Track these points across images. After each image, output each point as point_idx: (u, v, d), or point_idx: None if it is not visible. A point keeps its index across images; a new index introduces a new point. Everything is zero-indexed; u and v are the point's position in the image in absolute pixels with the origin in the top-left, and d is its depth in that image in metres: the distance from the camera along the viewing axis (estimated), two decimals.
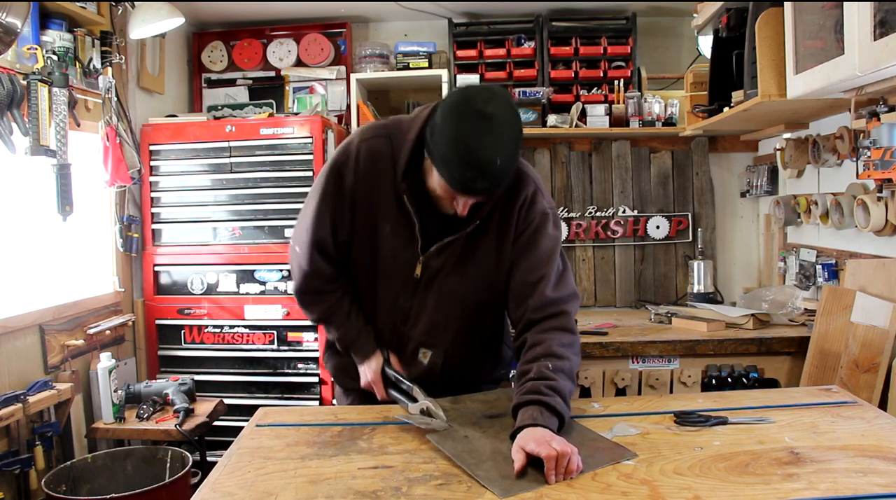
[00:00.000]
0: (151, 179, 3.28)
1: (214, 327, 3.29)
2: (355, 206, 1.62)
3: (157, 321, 3.30)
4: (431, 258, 1.62)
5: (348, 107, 3.63)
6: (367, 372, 1.70)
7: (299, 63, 3.75)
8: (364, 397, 1.79)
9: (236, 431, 1.59)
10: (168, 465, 2.56)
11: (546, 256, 1.59)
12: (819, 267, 2.79)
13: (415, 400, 1.56)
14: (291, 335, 3.27)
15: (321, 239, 1.66)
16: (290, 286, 3.25)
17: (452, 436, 1.43)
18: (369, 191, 1.61)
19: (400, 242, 1.62)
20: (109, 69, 2.93)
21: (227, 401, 3.06)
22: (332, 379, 1.95)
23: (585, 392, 2.72)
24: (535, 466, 1.27)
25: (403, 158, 1.55)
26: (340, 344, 1.76)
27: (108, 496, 2.20)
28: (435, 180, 1.50)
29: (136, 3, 3.05)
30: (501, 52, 3.58)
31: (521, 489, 1.20)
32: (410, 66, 3.58)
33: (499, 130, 1.39)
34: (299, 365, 3.27)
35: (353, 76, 3.51)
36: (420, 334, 1.69)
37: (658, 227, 3.63)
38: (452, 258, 1.62)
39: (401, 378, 1.64)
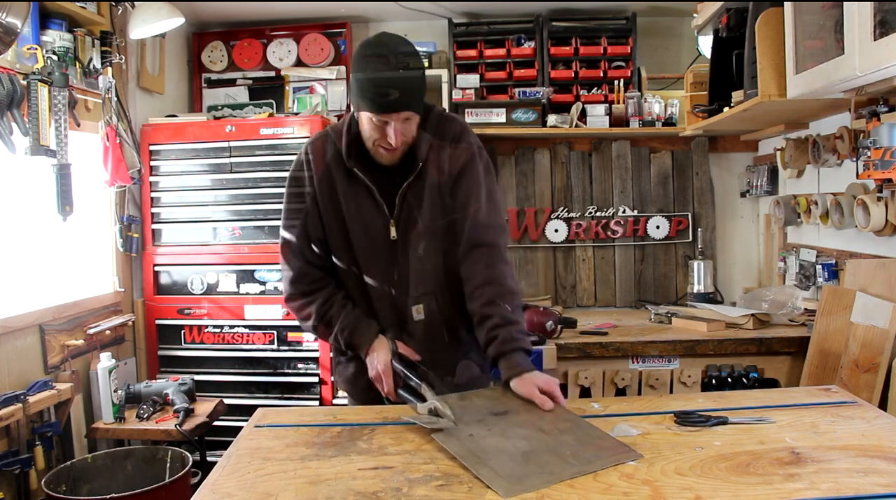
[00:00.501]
0: (151, 179, 3.28)
1: (214, 327, 3.29)
2: (318, 202, 1.77)
3: (157, 321, 3.30)
4: (401, 217, 1.74)
5: (348, 107, 3.63)
6: (377, 364, 1.72)
7: (299, 63, 3.75)
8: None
9: (236, 431, 1.59)
10: (168, 465, 2.56)
11: (475, 184, 1.76)
12: (819, 267, 2.79)
13: (423, 399, 1.55)
14: (291, 335, 3.26)
15: (295, 241, 1.80)
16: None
17: (457, 435, 1.42)
18: (325, 183, 1.76)
19: (367, 214, 1.75)
20: (109, 69, 2.92)
21: (227, 401, 3.06)
22: (346, 393, 1.98)
23: (585, 392, 2.72)
24: (535, 463, 1.28)
25: (343, 139, 1.74)
26: (343, 337, 1.78)
27: (108, 496, 2.20)
28: (365, 125, 1.67)
29: (136, 3, 3.05)
30: (501, 52, 3.58)
31: (523, 490, 1.20)
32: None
33: (392, 48, 1.60)
34: (299, 365, 3.27)
35: None
36: (412, 295, 1.78)
37: (658, 227, 3.63)
38: (413, 206, 1.74)
39: (409, 375, 1.64)
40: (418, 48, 3.50)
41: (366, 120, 1.66)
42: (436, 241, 1.76)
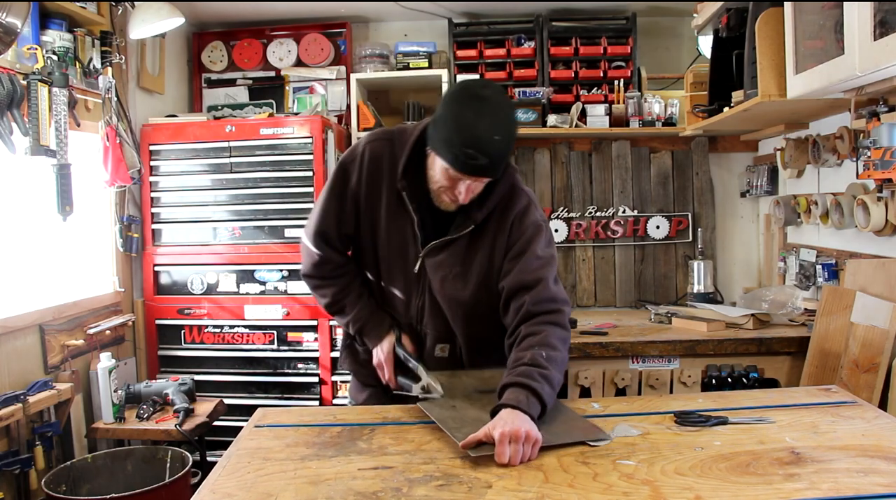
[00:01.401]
0: (151, 179, 3.28)
1: (214, 327, 3.29)
2: (358, 204, 1.73)
3: (157, 321, 3.30)
4: (428, 256, 1.69)
5: (348, 107, 3.63)
6: (379, 352, 1.77)
7: (299, 63, 3.75)
8: (381, 393, 1.85)
9: (236, 431, 1.59)
10: (168, 465, 2.56)
11: (544, 262, 1.66)
12: (819, 267, 2.79)
13: (419, 379, 1.67)
14: (291, 335, 3.27)
15: (326, 231, 1.77)
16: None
17: (441, 404, 1.56)
18: (372, 191, 1.71)
19: (401, 239, 1.71)
20: (109, 69, 2.93)
21: (227, 401, 3.06)
22: (351, 375, 1.99)
23: (585, 392, 2.72)
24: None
25: (403, 157, 1.65)
26: (353, 327, 1.81)
27: (108, 496, 2.20)
28: (437, 170, 1.58)
29: (136, 3, 3.05)
30: (501, 52, 3.58)
31: (488, 450, 1.31)
32: (410, 66, 3.58)
33: (495, 110, 1.51)
34: (299, 365, 3.27)
35: (353, 76, 3.51)
36: (434, 330, 1.76)
37: (658, 227, 3.63)
38: (448, 259, 1.69)
39: (409, 357, 1.72)
40: (418, 48, 3.59)
41: (439, 167, 1.57)
42: (460, 298, 1.70)
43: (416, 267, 1.70)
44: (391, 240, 1.72)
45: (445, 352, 1.77)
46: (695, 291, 3.43)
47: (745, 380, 2.62)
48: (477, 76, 3.56)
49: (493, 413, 1.40)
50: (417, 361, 1.71)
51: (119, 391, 2.73)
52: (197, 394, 2.95)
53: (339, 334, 3.22)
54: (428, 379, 1.65)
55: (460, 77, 3.56)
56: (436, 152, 1.57)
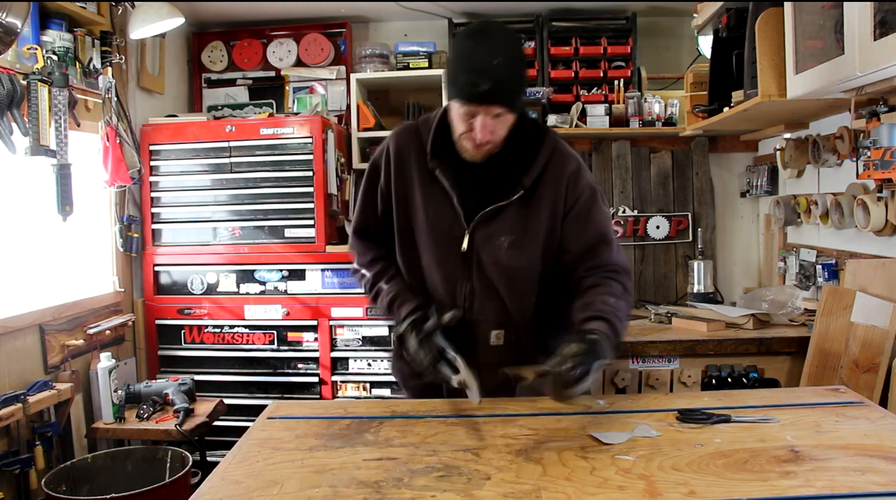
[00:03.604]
0: (151, 179, 3.28)
1: (214, 327, 3.29)
2: (391, 197, 1.71)
3: (157, 321, 3.30)
4: (478, 228, 1.63)
5: (348, 107, 3.63)
6: (413, 342, 1.64)
7: (299, 63, 3.75)
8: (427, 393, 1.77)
9: (236, 431, 1.60)
10: (168, 465, 2.56)
11: (603, 227, 1.65)
12: (819, 267, 2.79)
13: (457, 371, 1.57)
14: (291, 335, 3.27)
15: (366, 227, 1.80)
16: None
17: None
18: (403, 179, 1.69)
19: (443, 220, 1.65)
20: (109, 69, 2.93)
21: (227, 401, 3.06)
22: (401, 384, 1.90)
23: (585, 392, 2.71)
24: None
25: (430, 138, 1.64)
26: (386, 302, 1.72)
27: (108, 496, 2.20)
28: (454, 117, 1.56)
29: (136, 3, 3.05)
30: None
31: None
32: (410, 66, 3.58)
33: (495, 39, 1.50)
34: (299, 365, 3.27)
35: (353, 76, 3.51)
36: (486, 316, 1.68)
37: (658, 227, 3.63)
38: (502, 228, 1.63)
39: (447, 348, 1.60)
40: (418, 48, 3.59)
41: (455, 109, 1.56)
42: (517, 270, 1.64)
43: (465, 244, 1.63)
44: (432, 224, 1.66)
45: (501, 339, 1.69)
46: (695, 291, 3.43)
47: (745, 380, 2.62)
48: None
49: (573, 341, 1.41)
50: (456, 353, 1.59)
51: (119, 391, 2.73)
52: (197, 394, 2.95)
53: (340, 335, 3.24)
54: (464, 374, 1.54)
55: None
56: (448, 96, 1.57)
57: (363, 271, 1.79)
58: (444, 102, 1.66)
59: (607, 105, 3.49)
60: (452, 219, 1.64)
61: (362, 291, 1.84)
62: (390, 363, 1.95)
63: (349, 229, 1.84)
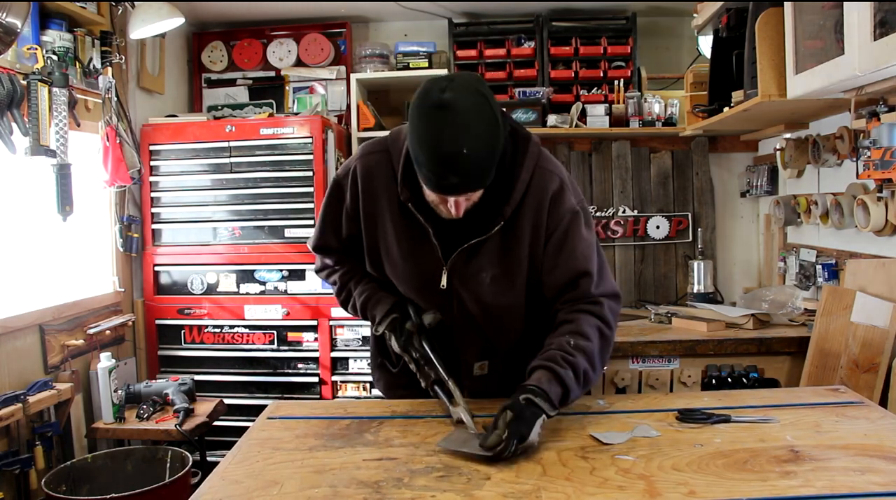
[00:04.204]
0: (151, 179, 3.28)
1: (214, 327, 3.29)
2: (358, 220, 1.60)
3: (157, 321, 3.30)
4: (457, 266, 1.53)
5: (348, 107, 3.63)
6: (395, 345, 1.63)
7: (299, 63, 3.75)
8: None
9: (236, 431, 1.60)
10: (168, 465, 2.56)
11: (583, 258, 1.53)
12: (819, 267, 2.79)
13: (451, 396, 1.52)
14: (291, 335, 3.27)
15: (326, 245, 1.71)
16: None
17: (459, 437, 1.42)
18: (372, 209, 1.57)
19: (418, 255, 1.55)
20: (109, 69, 2.92)
21: (227, 401, 3.06)
22: (384, 396, 1.86)
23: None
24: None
25: (401, 166, 1.50)
26: (360, 303, 1.68)
27: (108, 496, 2.20)
28: (424, 183, 1.42)
29: (136, 3, 3.05)
30: (501, 52, 3.58)
31: (461, 447, 1.33)
32: (410, 66, 3.58)
33: (459, 119, 1.30)
34: (299, 365, 3.27)
35: (353, 76, 3.51)
36: (469, 348, 1.63)
37: (658, 227, 3.63)
38: (483, 263, 1.53)
39: (440, 371, 1.55)
40: (418, 48, 3.58)
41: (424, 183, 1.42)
42: (500, 305, 1.56)
43: (444, 281, 1.53)
44: (407, 258, 1.56)
45: (485, 370, 1.63)
46: (695, 291, 3.43)
47: (745, 380, 2.62)
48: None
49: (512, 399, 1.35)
50: (449, 374, 1.54)
51: (119, 391, 2.73)
52: (197, 394, 2.95)
53: (340, 335, 3.24)
54: (461, 411, 1.47)
55: None
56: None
57: (332, 277, 1.74)
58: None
59: (607, 105, 3.49)
60: (429, 254, 1.53)
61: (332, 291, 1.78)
62: (371, 374, 1.88)
63: (311, 242, 1.75)
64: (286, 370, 3.28)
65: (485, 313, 1.57)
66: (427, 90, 1.35)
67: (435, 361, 1.56)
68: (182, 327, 3.30)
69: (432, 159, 1.32)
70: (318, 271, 1.79)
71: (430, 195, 1.44)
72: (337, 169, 3.23)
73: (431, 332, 1.60)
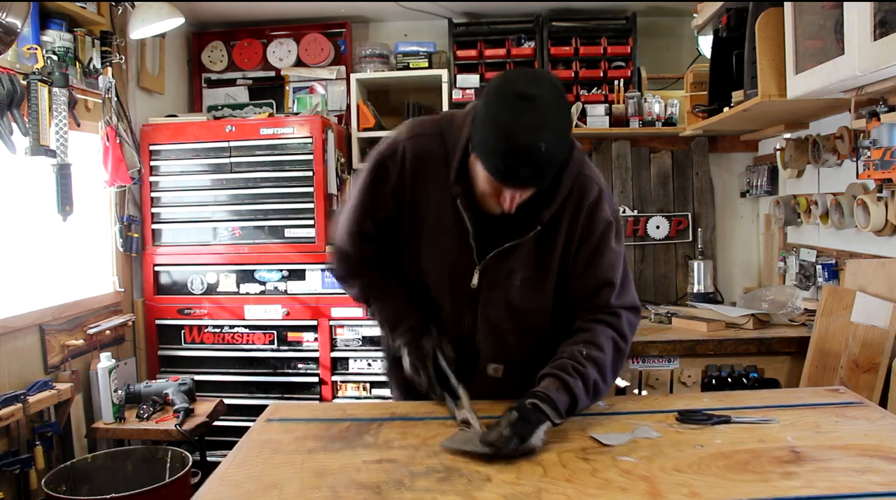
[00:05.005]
0: (151, 179, 3.28)
1: (214, 327, 3.29)
2: (400, 205, 1.55)
3: (157, 321, 3.30)
4: (489, 267, 1.51)
5: (348, 107, 3.63)
6: (409, 357, 1.58)
7: (299, 63, 3.75)
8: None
9: (236, 431, 1.60)
10: (168, 465, 2.56)
11: (611, 268, 1.53)
12: (819, 267, 2.79)
13: (457, 398, 1.51)
14: (291, 335, 3.27)
15: (362, 231, 1.61)
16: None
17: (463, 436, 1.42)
18: (416, 193, 1.53)
19: (452, 251, 1.52)
20: (109, 69, 2.93)
21: (227, 401, 3.06)
22: (397, 392, 1.80)
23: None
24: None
25: (457, 157, 1.46)
26: (381, 325, 1.67)
27: (108, 496, 2.20)
28: (479, 174, 1.39)
29: (136, 3, 3.05)
30: (501, 52, 3.58)
31: (464, 446, 1.33)
32: (410, 66, 3.59)
33: (541, 112, 1.28)
34: (299, 365, 3.27)
35: (353, 76, 3.51)
36: (488, 349, 1.60)
37: (658, 227, 3.63)
38: (515, 266, 1.52)
39: (450, 374, 1.54)
40: (418, 48, 3.58)
41: (482, 171, 1.37)
42: (528, 309, 1.56)
43: (475, 280, 1.51)
44: (441, 251, 1.54)
45: (499, 373, 1.60)
46: (695, 291, 3.43)
47: (745, 380, 2.62)
48: (477, 78, 3.53)
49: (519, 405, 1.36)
50: (458, 380, 1.53)
51: (119, 391, 2.73)
52: (197, 394, 2.95)
53: (340, 335, 3.24)
54: (466, 412, 1.46)
55: (460, 77, 3.56)
56: (477, 156, 1.37)
57: (352, 279, 1.68)
58: (468, 110, 1.47)
59: (607, 105, 3.49)
60: (464, 253, 1.51)
61: (346, 290, 1.74)
62: (386, 374, 1.85)
63: (339, 232, 1.65)
64: (286, 370, 3.28)
65: (511, 314, 1.56)
66: (510, 79, 1.32)
67: (451, 380, 1.53)
68: (182, 327, 3.30)
69: (506, 149, 1.29)
70: (339, 278, 1.71)
71: (483, 185, 1.41)
72: (337, 169, 3.26)
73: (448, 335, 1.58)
